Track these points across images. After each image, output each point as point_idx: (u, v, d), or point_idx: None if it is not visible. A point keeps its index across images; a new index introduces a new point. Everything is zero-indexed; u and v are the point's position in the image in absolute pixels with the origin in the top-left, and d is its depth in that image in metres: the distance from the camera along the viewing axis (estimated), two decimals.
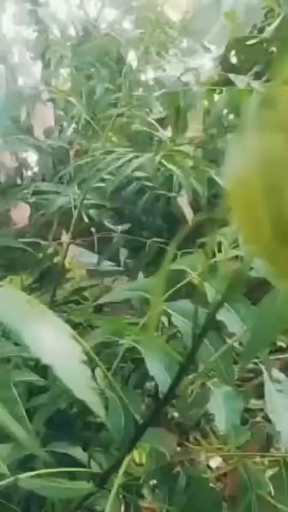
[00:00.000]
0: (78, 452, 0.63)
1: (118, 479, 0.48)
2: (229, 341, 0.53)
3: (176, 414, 1.22)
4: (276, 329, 0.38)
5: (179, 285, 0.61)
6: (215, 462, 1.50)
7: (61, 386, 0.59)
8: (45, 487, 0.49)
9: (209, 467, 1.45)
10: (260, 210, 0.21)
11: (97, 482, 0.50)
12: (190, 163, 0.93)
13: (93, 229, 1.29)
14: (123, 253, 1.13)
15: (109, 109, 1.16)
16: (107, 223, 1.19)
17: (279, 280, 0.23)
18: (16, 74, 2.06)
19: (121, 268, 1.16)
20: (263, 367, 0.61)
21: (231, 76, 0.99)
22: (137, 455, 0.86)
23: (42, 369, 0.68)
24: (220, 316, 0.50)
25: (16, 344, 0.71)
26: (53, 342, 0.28)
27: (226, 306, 0.52)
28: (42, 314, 0.29)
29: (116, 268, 1.16)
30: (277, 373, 0.64)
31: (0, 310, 0.27)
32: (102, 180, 1.02)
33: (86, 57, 1.31)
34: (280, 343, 1.95)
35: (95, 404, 0.28)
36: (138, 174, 1.02)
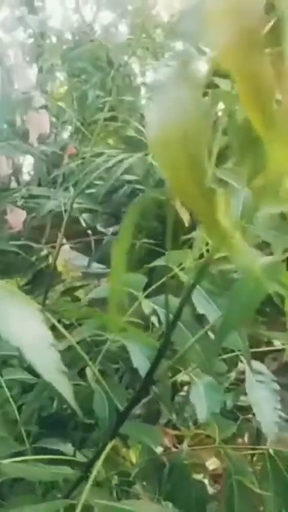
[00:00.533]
0: (68, 449, 0.64)
1: (100, 462, 0.49)
2: (209, 332, 0.54)
3: (173, 417, 1.22)
4: (251, 304, 0.39)
5: (162, 280, 0.62)
6: (213, 464, 1.51)
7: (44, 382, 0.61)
8: (29, 471, 0.50)
9: (206, 469, 1.46)
10: (178, 157, 0.23)
11: (82, 470, 0.51)
12: None
13: (89, 232, 1.30)
14: None
15: (98, 113, 1.17)
16: (99, 226, 1.20)
17: (202, 221, 0.26)
18: (12, 77, 2.07)
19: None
20: (243, 359, 0.63)
21: (216, 79, 0.99)
22: (132, 454, 0.87)
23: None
24: (201, 309, 0.52)
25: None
26: (22, 324, 0.28)
27: (205, 297, 0.54)
28: (12, 295, 0.29)
29: (108, 270, 1.17)
30: (258, 365, 0.66)
31: None
32: (93, 184, 1.03)
33: (77, 62, 1.32)
34: (277, 344, 1.96)
35: (62, 386, 0.28)
36: (128, 177, 1.04)
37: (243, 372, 1.19)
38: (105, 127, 1.27)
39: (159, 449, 0.90)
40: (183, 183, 0.24)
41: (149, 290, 0.62)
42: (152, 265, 0.68)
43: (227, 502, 0.63)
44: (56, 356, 0.28)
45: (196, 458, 0.87)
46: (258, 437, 0.74)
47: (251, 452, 0.69)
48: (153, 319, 0.69)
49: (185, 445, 0.67)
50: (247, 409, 0.93)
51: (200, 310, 0.54)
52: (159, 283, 0.62)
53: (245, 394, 0.81)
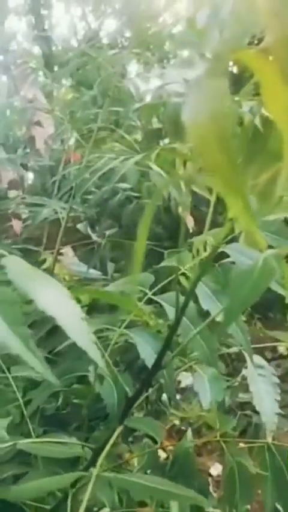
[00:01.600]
0: (74, 443, 0.65)
1: (110, 442, 0.50)
2: (212, 326, 0.56)
3: (176, 422, 1.22)
4: (252, 296, 0.41)
5: (169, 279, 0.65)
6: (216, 470, 1.50)
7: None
8: (41, 449, 0.54)
9: (210, 475, 1.45)
10: (212, 137, 0.28)
11: (92, 454, 0.52)
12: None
13: (94, 238, 1.32)
14: (110, 266, 1.17)
15: (90, 123, 1.19)
16: (98, 231, 1.22)
17: (228, 198, 0.29)
18: (19, 84, 2.09)
19: (113, 275, 1.19)
20: (245, 354, 0.65)
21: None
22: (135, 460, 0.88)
23: None
24: (205, 305, 0.55)
25: None
26: (57, 299, 0.31)
27: (211, 296, 0.56)
28: (45, 277, 0.32)
29: (105, 276, 1.19)
30: (259, 359, 0.69)
31: (11, 272, 0.30)
32: (89, 190, 1.05)
33: (82, 69, 1.33)
34: (281, 350, 1.95)
35: (96, 355, 0.30)
36: (123, 185, 1.06)
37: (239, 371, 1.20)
38: (111, 134, 1.28)
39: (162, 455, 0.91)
40: (217, 162, 0.28)
41: (156, 288, 0.64)
42: (160, 265, 0.70)
43: (228, 485, 0.65)
44: (87, 327, 0.30)
45: (199, 465, 0.87)
46: (256, 432, 0.75)
47: (250, 445, 0.70)
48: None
49: (189, 434, 0.68)
50: (245, 406, 0.94)
51: (204, 306, 0.56)
52: (166, 281, 0.65)
53: (243, 391, 0.83)
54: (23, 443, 0.54)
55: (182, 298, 0.55)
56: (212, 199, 0.54)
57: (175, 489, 0.44)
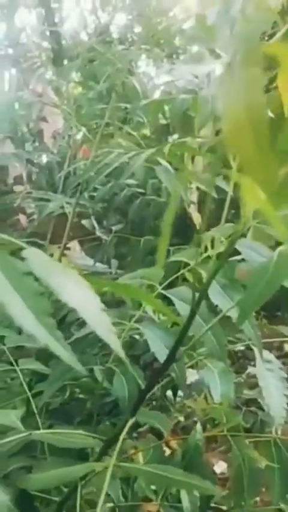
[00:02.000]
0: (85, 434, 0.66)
1: (123, 434, 0.50)
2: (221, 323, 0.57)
3: (181, 418, 1.23)
4: (266, 292, 0.42)
5: (179, 273, 0.66)
6: (220, 468, 1.50)
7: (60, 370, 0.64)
8: (56, 440, 0.54)
9: (214, 473, 1.46)
10: (245, 123, 0.30)
11: (103, 445, 0.54)
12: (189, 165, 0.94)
13: (98, 233, 1.32)
14: (114, 263, 1.18)
15: (97, 118, 1.19)
16: (104, 227, 1.23)
17: (263, 188, 0.30)
18: (28, 78, 2.08)
19: (116, 271, 1.20)
20: (254, 348, 0.66)
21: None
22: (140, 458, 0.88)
23: (44, 358, 0.72)
24: (215, 300, 0.56)
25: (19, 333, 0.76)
26: (77, 291, 0.31)
27: (220, 291, 0.57)
28: (65, 269, 0.33)
29: (114, 269, 1.20)
30: (267, 354, 0.70)
31: (33, 264, 0.30)
32: (95, 187, 1.05)
33: (91, 64, 1.33)
34: (287, 348, 1.94)
35: (115, 344, 0.31)
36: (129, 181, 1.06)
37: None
38: (119, 129, 1.28)
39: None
40: (250, 149, 0.30)
41: (166, 283, 0.64)
42: (168, 261, 0.71)
43: (236, 479, 0.65)
44: (107, 318, 0.31)
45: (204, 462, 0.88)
46: (262, 429, 0.75)
47: (256, 439, 0.71)
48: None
49: (198, 427, 0.68)
50: (250, 403, 0.94)
51: (215, 301, 0.57)
52: (175, 276, 0.65)
53: (248, 388, 0.83)
54: (38, 433, 0.55)
55: (190, 292, 0.56)
56: (229, 191, 0.55)
57: (190, 479, 0.45)
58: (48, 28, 2.33)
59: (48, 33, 2.30)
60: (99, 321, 0.30)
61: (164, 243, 0.47)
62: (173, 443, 0.97)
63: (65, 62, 2.56)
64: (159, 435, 0.99)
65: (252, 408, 0.88)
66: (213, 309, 0.57)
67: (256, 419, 0.89)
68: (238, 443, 0.67)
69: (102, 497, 0.43)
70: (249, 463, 0.66)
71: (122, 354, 0.31)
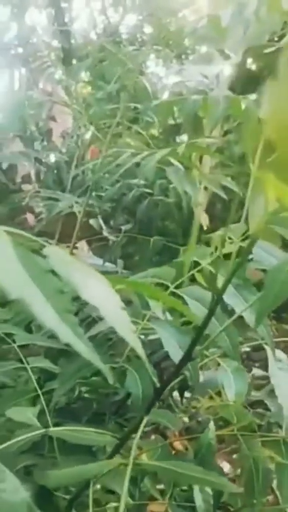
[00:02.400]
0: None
1: (140, 430, 0.51)
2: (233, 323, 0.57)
3: (186, 419, 1.23)
4: (283, 293, 0.42)
5: (191, 272, 0.66)
6: (224, 467, 1.50)
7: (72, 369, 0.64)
8: (72, 436, 0.56)
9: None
10: None
11: (117, 443, 0.54)
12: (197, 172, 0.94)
13: (105, 233, 1.32)
14: (120, 263, 1.18)
15: (108, 120, 1.20)
16: (112, 227, 1.23)
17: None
18: (37, 77, 2.09)
19: (125, 271, 1.20)
20: (267, 347, 0.67)
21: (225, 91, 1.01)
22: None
23: (52, 356, 0.73)
24: (228, 300, 0.56)
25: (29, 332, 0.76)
26: (98, 290, 0.31)
27: (233, 291, 0.58)
28: (86, 267, 0.33)
29: (120, 270, 1.20)
30: (278, 352, 0.70)
31: (54, 262, 0.31)
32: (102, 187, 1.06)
33: (100, 64, 1.33)
34: None
35: (136, 344, 0.31)
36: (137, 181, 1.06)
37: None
38: (128, 129, 1.28)
39: None
40: None
41: (178, 282, 0.64)
42: (177, 260, 0.71)
43: (248, 479, 0.65)
44: (127, 317, 0.31)
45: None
46: (269, 430, 0.75)
47: (265, 439, 0.71)
48: None
49: (211, 426, 0.69)
50: (256, 405, 0.94)
51: (228, 301, 0.57)
52: (189, 274, 0.65)
53: (255, 389, 0.83)
54: (55, 430, 0.56)
55: (204, 293, 0.56)
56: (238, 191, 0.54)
57: (209, 476, 0.45)
58: (58, 28, 2.34)
59: (58, 32, 2.31)
60: (119, 319, 0.30)
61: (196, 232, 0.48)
62: (178, 444, 0.97)
63: (74, 61, 2.57)
64: (162, 435, 0.99)
65: (259, 410, 0.88)
66: (225, 308, 0.57)
67: (263, 421, 0.88)
68: (248, 442, 0.67)
69: (124, 494, 0.43)
70: (260, 463, 0.66)
71: (142, 353, 0.31)
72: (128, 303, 0.81)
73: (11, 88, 2.01)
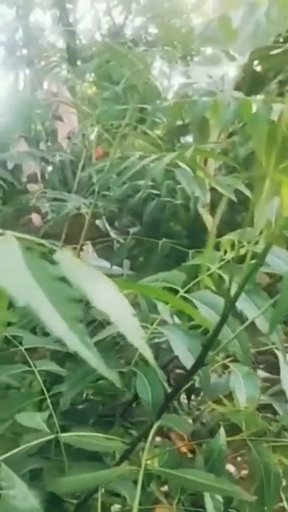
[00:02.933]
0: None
1: (151, 435, 0.51)
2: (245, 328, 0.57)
3: (190, 421, 1.22)
4: None
5: (200, 278, 0.65)
6: (229, 469, 1.49)
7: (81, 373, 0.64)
8: (82, 442, 0.56)
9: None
10: None
11: (128, 447, 0.54)
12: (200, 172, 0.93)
13: (112, 235, 1.32)
14: (126, 264, 1.17)
15: (116, 120, 1.19)
16: (118, 228, 1.22)
17: None
18: (42, 78, 2.09)
19: (131, 272, 1.19)
20: (278, 352, 0.66)
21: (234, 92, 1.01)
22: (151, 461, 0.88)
23: (59, 359, 0.72)
24: (239, 305, 0.55)
25: (46, 334, 0.76)
26: (109, 296, 0.31)
27: (244, 296, 0.56)
28: (96, 273, 0.33)
29: (126, 271, 1.19)
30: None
31: (64, 268, 0.31)
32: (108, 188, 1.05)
33: (105, 64, 1.32)
34: None
35: (146, 351, 0.31)
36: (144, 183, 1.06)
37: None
38: (134, 129, 1.27)
39: None
40: None
41: (188, 286, 0.64)
42: (187, 264, 0.71)
43: (258, 485, 0.65)
44: (138, 323, 0.31)
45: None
46: (278, 434, 0.75)
47: (274, 444, 0.70)
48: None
49: (222, 432, 0.68)
50: (262, 409, 0.94)
51: (239, 306, 0.56)
52: (197, 279, 0.65)
53: (262, 393, 0.83)
54: (65, 436, 0.56)
55: (214, 298, 0.55)
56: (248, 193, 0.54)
57: (221, 484, 0.45)
58: (63, 28, 2.34)
59: (63, 33, 2.31)
60: (130, 326, 0.30)
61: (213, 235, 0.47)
62: (183, 448, 0.96)
63: (79, 62, 2.57)
64: (166, 437, 0.98)
65: (267, 414, 0.87)
66: (236, 313, 0.57)
67: (270, 425, 0.88)
68: (258, 448, 0.66)
69: (136, 502, 0.42)
70: (271, 469, 0.65)
71: (151, 359, 0.31)
72: (135, 306, 0.80)
73: (16, 88, 2.00)
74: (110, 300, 0.30)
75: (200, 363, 0.51)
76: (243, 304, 0.56)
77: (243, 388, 0.67)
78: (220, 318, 0.48)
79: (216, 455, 0.64)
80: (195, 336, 0.58)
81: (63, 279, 0.29)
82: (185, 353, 0.56)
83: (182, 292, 0.62)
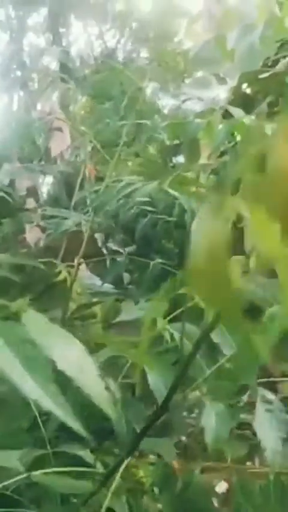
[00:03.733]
0: (87, 455, 0.66)
1: (116, 480, 0.51)
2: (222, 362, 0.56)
3: (183, 438, 1.22)
4: (259, 356, 0.42)
5: (181, 309, 0.63)
6: (221, 488, 1.48)
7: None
8: (54, 483, 0.56)
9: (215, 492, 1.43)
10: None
11: (100, 482, 0.54)
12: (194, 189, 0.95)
13: (105, 251, 1.32)
14: (126, 277, 1.17)
15: (114, 138, 1.21)
16: (113, 247, 1.23)
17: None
18: (35, 99, 2.12)
19: (122, 291, 1.19)
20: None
21: (231, 108, 1.03)
22: (142, 468, 0.88)
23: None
24: (215, 338, 0.55)
25: None
26: (74, 359, 0.33)
27: (221, 328, 0.56)
28: (63, 334, 0.34)
29: (118, 291, 1.19)
30: (269, 394, 0.68)
31: (32, 330, 0.32)
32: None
33: (98, 86, 1.35)
34: None
35: (109, 411, 0.32)
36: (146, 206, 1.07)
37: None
38: (128, 147, 1.29)
39: None
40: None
41: (171, 316, 0.62)
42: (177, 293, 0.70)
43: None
44: (102, 384, 0.32)
45: (205, 483, 0.86)
46: (252, 453, 0.75)
47: (259, 470, 0.70)
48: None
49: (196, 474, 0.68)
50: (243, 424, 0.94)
51: (216, 339, 0.56)
52: (179, 310, 0.63)
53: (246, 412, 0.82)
54: (38, 475, 0.56)
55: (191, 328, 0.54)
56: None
57: None
58: (56, 48, 2.38)
59: (56, 54, 2.35)
60: (94, 387, 0.31)
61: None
62: (175, 463, 0.96)
63: (72, 83, 2.60)
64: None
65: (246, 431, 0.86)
66: (214, 347, 0.56)
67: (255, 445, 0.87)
68: (240, 474, 0.66)
69: None
70: (250, 496, 0.65)
71: (114, 417, 0.33)
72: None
73: (10, 109, 2.03)
74: (75, 363, 0.32)
75: (168, 400, 0.51)
76: (220, 338, 0.55)
77: (214, 428, 0.64)
78: (191, 351, 0.48)
79: (194, 484, 0.64)
80: (174, 369, 0.56)
81: (33, 341, 0.31)
82: (161, 389, 0.56)
83: (162, 324, 0.60)
